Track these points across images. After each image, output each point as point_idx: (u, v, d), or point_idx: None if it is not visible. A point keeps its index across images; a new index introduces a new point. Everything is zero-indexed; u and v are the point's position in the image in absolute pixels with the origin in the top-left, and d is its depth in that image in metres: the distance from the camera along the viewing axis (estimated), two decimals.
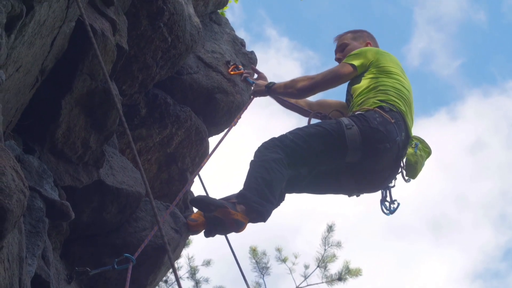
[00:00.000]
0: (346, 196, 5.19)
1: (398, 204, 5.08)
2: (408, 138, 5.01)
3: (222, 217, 4.58)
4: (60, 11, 3.65)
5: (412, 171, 4.96)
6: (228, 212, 4.50)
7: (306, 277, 17.70)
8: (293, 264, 18.01)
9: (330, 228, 17.77)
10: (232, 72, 6.72)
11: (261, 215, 4.63)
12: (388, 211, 5.07)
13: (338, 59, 5.61)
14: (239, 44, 7.54)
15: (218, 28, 7.51)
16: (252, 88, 5.97)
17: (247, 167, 4.83)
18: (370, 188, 5.11)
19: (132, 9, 5.35)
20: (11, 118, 3.82)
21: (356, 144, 4.74)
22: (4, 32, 3.01)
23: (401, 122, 4.96)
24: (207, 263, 18.13)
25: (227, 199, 4.77)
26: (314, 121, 5.26)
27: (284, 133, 4.89)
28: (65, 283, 4.33)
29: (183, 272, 17.83)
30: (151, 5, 5.50)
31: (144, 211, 5.17)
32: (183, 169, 6.68)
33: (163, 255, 4.92)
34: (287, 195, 5.14)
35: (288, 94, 5.47)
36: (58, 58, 4.14)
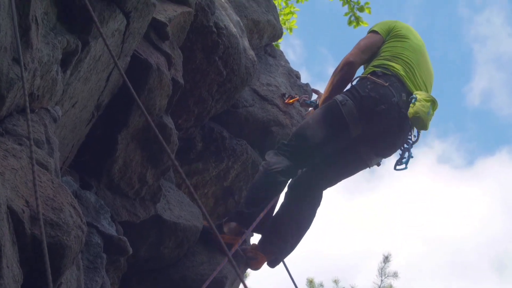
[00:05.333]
0: (367, 168, 5.23)
1: (411, 156, 5.12)
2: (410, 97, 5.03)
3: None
4: (115, 46, 3.66)
5: (419, 123, 4.94)
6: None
7: None
8: None
9: (386, 259, 17.52)
10: (288, 101, 6.68)
11: (247, 223, 4.93)
12: (402, 166, 5.13)
13: None
14: (294, 76, 7.50)
15: (273, 61, 7.50)
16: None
17: None
18: (387, 149, 5.14)
19: (187, 43, 5.36)
20: (68, 154, 3.83)
21: (354, 117, 4.84)
22: (60, 68, 3.02)
23: (398, 83, 4.99)
24: None
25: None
26: None
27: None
28: None
29: None
30: (205, 39, 5.50)
31: (201, 246, 5.13)
32: (240, 202, 6.64)
33: None
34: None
35: (337, 88, 5.22)
36: (114, 93, 4.15)
